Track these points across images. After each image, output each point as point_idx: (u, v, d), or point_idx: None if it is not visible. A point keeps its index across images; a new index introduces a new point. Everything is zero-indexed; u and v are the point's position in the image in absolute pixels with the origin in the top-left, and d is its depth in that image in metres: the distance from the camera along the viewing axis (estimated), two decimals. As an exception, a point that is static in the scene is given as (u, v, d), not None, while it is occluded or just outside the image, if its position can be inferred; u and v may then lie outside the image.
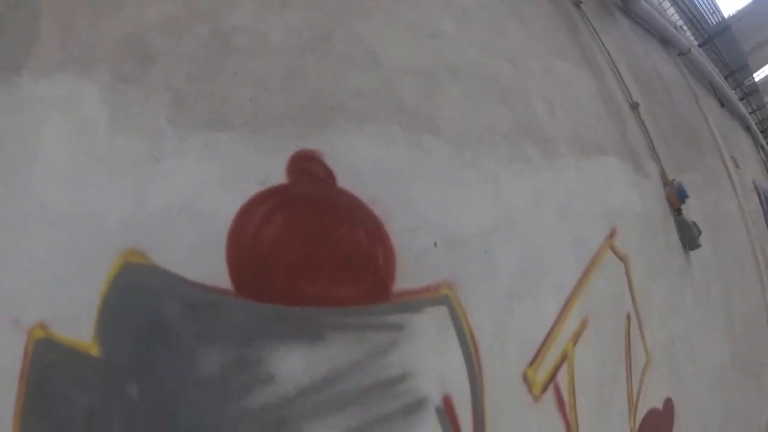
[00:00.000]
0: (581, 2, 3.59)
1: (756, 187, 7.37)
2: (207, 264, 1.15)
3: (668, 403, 2.75)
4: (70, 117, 1.20)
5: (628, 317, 2.34)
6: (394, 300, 1.40)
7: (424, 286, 1.47)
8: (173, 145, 1.23)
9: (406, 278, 1.44)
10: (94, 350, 1.05)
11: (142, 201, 1.17)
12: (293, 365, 1.20)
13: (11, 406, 0.97)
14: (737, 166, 5.80)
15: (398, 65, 1.73)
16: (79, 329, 1.07)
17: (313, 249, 1.31)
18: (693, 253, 3.49)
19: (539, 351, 1.72)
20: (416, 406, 1.40)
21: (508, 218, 1.78)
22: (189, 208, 1.18)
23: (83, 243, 1.13)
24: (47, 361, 1.02)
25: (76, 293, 1.09)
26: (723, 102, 7.82)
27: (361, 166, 1.47)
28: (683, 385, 2.95)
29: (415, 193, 1.57)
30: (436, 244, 1.54)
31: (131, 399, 1.06)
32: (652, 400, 2.54)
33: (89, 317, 1.07)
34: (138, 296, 1.11)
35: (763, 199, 7.49)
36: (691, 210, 3.63)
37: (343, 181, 1.43)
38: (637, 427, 2.38)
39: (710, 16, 9.06)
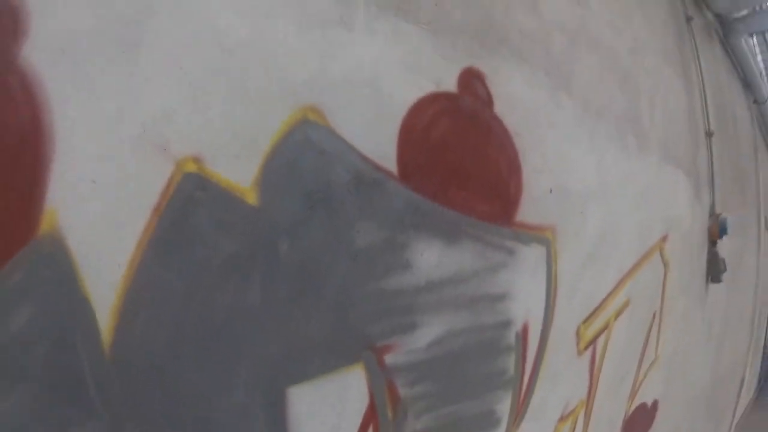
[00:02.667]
0: (692, 19, 3.59)
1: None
2: (379, 143, 1.12)
3: (655, 404, 2.99)
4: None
5: (654, 316, 2.52)
6: (514, 228, 1.52)
7: (536, 223, 1.60)
8: (364, 21, 1.18)
9: (524, 213, 1.57)
10: (252, 197, 0.94)
11: (329, 62, 1.07)
12: (429, 259, 1.23)
13: (135, 236, 0.82)
14: (767, 229, 5.91)
15: (552, 18, 1.79)
16: (239, 171, 0.93)
17: (468, 160, 1.37)
18: (711, 287, 3.67)
19: (594, 312, 1.89)
20: (506, 324, 1.55)
21: (602, 189, 1.90)
22: (372, 85, 1.17)
23: (258, 79, 0.96)
24: (195, 198, 0.90)
25: (242, 130, 0.93)
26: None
27: (513, 99, 1.55)
28: (670, 394, 3.19)
29: (547, 139, 1.67)
30: (551, 190, 1.66)
31: (280, 254, 0.99)
32: (645, 395, 2.77)
33: (253, 161, 0.94)
34: (310, 154, 1.01)
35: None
36: (721, 248, 3.77)
37: (496, 108, 1.49)
38: (629, 414, 2.61)
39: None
